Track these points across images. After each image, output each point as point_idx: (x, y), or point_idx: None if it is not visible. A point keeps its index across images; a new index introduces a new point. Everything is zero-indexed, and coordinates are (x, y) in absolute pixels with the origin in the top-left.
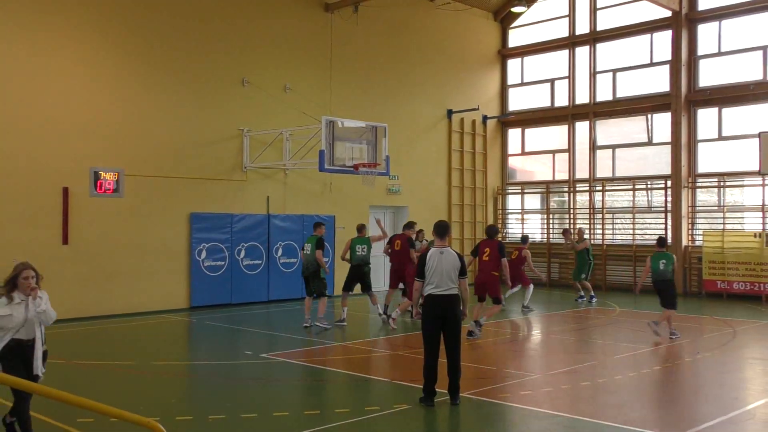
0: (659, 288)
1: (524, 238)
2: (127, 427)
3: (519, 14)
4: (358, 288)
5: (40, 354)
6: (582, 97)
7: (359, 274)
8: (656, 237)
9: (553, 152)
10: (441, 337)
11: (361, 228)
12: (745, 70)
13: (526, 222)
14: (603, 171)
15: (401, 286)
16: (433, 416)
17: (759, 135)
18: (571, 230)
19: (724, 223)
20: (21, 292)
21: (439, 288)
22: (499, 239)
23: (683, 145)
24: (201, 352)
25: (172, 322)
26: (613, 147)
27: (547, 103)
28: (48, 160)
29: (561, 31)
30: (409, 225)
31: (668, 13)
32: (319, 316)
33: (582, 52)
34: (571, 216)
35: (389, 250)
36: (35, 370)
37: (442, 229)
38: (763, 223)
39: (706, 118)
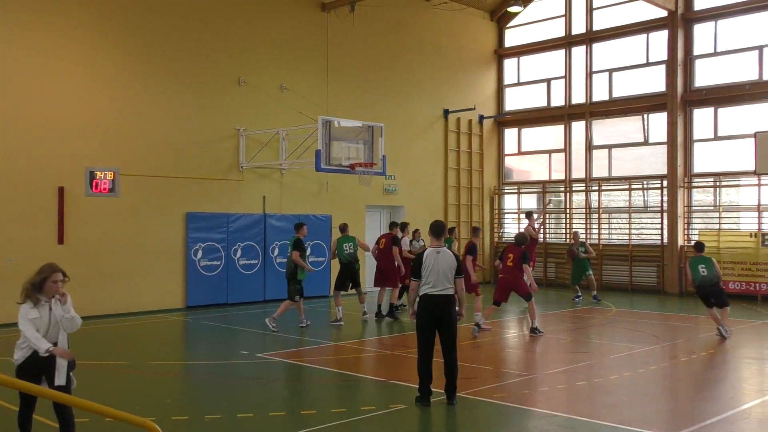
0: (705, 293)
1: (528, 214)
2: (123, 427)
3: (515, 14)
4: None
5: (63, 362)
6: (578, 97)
7: (351, 272)
8: (696, 241)
9: (550, 152)
10: (436, 337)
11: (344, 227)
12: (741, 70)
13: (522, 222)
14: (599, 171)
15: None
16: (428, 416)
17: (755, 135)
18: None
19: (719, 223)
20: (45, 294)
21: (436, 288)
22: (524, 248)
23: (679, 144)
24: (197, 352)
25: (168, 321)
26: (610, 147)
27: (543, 103)
28: (46, 159)
29: (557, 30)
30: (394, 224)
31: (664, 13)
32: (274, 316)
33: (578, 51)
34: (568, 216)
35: (376, 251)
36: (57, 381)
37: (438, 229)
38: (759, 223)
39: (702, 118)
